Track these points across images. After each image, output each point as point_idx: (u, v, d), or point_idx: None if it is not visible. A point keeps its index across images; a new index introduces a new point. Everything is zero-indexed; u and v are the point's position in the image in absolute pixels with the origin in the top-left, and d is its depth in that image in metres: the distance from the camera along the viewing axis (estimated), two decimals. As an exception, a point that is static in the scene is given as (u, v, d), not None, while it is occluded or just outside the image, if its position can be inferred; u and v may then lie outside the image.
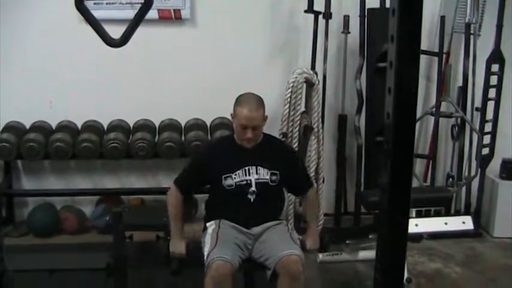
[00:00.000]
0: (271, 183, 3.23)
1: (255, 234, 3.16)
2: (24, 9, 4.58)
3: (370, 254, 3.85)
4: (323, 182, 4.49)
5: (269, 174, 3.22)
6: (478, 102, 4.87)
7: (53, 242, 4.59)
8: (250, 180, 3.19)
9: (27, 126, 4.67)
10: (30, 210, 4.78)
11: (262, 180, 3.20)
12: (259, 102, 3.22)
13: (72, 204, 4.86)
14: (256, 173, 3.20)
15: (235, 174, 3.19)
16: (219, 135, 4.51)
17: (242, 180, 3.19)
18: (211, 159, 3.31)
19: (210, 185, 3.36)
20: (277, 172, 3.24)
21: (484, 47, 4.81)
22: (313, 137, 4.29)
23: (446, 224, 3.75)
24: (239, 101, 3.23)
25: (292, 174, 3.36)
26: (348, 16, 4.67)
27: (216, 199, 3.33)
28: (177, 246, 3.23)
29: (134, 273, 3.54)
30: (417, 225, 3.62)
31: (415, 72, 1.37)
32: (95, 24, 1.58)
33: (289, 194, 4.25)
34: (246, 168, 3.20)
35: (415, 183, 4.97)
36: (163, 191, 4.87)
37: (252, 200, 3.19)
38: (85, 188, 4.91)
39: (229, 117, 3.41)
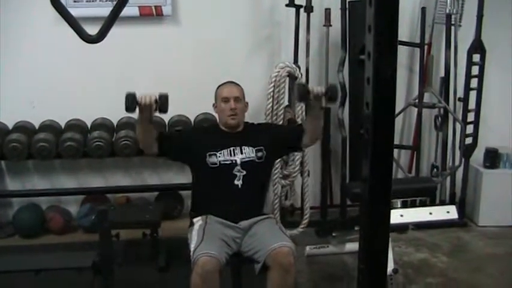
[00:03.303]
0: (257, 160, 3.26)
1: (243, 228, 3.16)
2: (2, 11, 4.53)
3: (356, 245, 3.86)
4: (308, 175, 4.50)
5: (254, 151, 3.26)
6: (460, 93, 4.90)
7: (39, 242, 4.57)
8: (235, 160, 3.22)
9: (10, 127, 4.64)
10: (15, 211, 4.75)
11: (249, 159, 3.24)
12: (238, 84, 3.39)
13: (57, 204, 4.84)
14: (241, 153, 3.24)
15: (220, 153, 3.22)
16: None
17: (226, 160, 3.21)
18: (196, 136, 3.39)
19: (193, 164, 3.36)
20: (262, 147, 3.28)
21: (465, 37, 4.83)
22: (298, 131, 4.29)
23: (431, 213, 3.76)
24: (218, 87, 3.40)
25: (278, 135, 3.42)
26: (329, 9, 4.67)
27: (201, 185, 3.33)
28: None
29: (121, 272, 3.52)
30: (402, 215, 3.62)
31: (393, 61, 1.38)
32: (71, 21, 1.56)
33: (275, 186, 4.28)
34: (231, 148, 3.24)
35: (400, 174, 5.01)
36: (148, 189, 4.92)
37: (239, 185, 3.20)
38: (70, 188, 4.89)
39: (213, 113, 3.42)
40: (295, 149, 3.75)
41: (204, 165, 3.22)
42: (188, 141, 3.33)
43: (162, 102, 3.00)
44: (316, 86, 3.14)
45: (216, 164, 3.21)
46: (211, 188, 3.26)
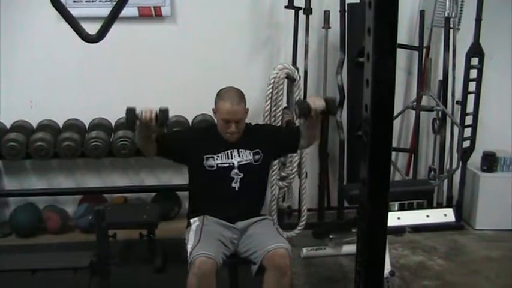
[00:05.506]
0: (254, 163, 3.24)
1: (240, 229, 3.16)
2: (1, 10, 4.51)
3: (353, 248, 3.85)
4: (306, 177, 4.50)
5: (252, 154, 3.24)
6: (458, 96, 4.90)
7: (35, 242, 4.56)
8: (233, 163, 3.21)
9: (8, 126, 4.64)
10: (12, 211, 4.75)
11: (246, 161, 3.22)
12: (241, 96, 3.24)
13: (54, 204, 4.84)
14: (239, 155, 3.23)
15: (218, 156, 3.20)
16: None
17: (224, 163, 3.20)
18: (194, 139, 3.32)
19: (190, 167, 3.34)
20: (259, 150, 3.26)
21: (463, 40, 4.84)
22: (296, 133, 4.28)
23: (428, 216, 3.75)
24: (220, 95, 3.24)
25: (276, 137, 3.38)
26: (329, 11, 4.68)
27: (198, 187, 3.32)
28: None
29: (118, 272, 3.52)
30: (399, 218, 3.61)
31: (392, 63, 1.38)
32: (71, 21, 1.57)
33: (272, 188, 4.27)
34: (229, 151, 3.23)
35: (397, 177, 5.01)
36: (145, 189, 4.91)
37: (236, 188, 3.19)
38: (67, 187, 4.89)
39: (211, 114, 3.41)
40: (292, 151, 3.78)
41: (202, 168, 3.21)
42: (186, 142, 3.30)
43: (163, 117, 3.00)
44: (315, 100, 3.04)
45: (213, 166, 3.20)
46: (208, 190, 3.25)
